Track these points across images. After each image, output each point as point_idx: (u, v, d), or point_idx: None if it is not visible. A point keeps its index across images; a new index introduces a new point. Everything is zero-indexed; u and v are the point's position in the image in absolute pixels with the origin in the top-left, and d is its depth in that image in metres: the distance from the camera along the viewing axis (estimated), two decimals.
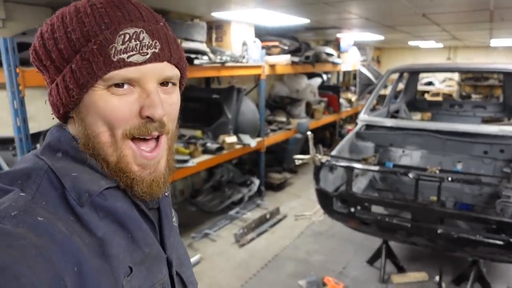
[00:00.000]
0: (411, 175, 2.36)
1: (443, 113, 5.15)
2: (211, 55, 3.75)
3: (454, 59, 10.29)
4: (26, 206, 0.52)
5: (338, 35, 6.24)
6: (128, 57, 0.56)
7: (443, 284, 2.88)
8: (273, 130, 4.98)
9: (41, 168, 0.58)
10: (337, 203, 2.69)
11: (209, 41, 4.28)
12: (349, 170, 2.55)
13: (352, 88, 7.97)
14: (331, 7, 3.50)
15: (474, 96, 7.74)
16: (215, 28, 4.38)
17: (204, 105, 4.33)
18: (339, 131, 6.99)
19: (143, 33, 0.57)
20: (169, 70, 0.61)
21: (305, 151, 5.00)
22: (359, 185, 2.99)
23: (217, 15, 3.94)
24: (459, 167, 3.04)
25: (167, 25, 0.63)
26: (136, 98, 0.59)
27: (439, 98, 7.94)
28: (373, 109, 3.99)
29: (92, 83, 0.57)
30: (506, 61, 8.30)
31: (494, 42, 8.24)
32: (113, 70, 0.56)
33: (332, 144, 6.36)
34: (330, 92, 6.63)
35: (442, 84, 9.77)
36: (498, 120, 4.79)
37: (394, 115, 4.42)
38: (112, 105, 0.58)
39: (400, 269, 3.15)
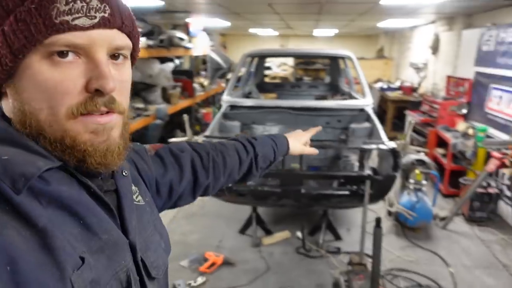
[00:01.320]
0: None
1: (286, 93, 5.87)
2: None
3: (286, 45, 11.63)
4: None
5: (187, 19, 6.30)
6: (73, 19, 0.50)
7: (301, 236, 3.40)
8: (131, 118, 4.77)
9: None
10: None
11: None
12: None
13: (203, 73, 8.20)
14: None
15: (306, 78, 9.03)
16: None
17: None
18: (195, 116, 7.14)
19: None
20: (120, 39, 0.56)
21: (163, 137, 4.99)
22: None
23: None
24: None
25: None
26: (82, 70, 0.53)
27: (277, 81, 8.95)
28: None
29: (29, 48, 0.50)
30: (320, 48, 9.90)
31: (316, 32, 9.69)
32: (55, 34, 0.49)
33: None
34: (184, 77, 6.69)
35: (278, 68, 10.95)
36: (325, 97, 5.76)
37: (248, 96, 4.83)
38: (54, 77, 0.51)
39: (268, 232, 3.56)
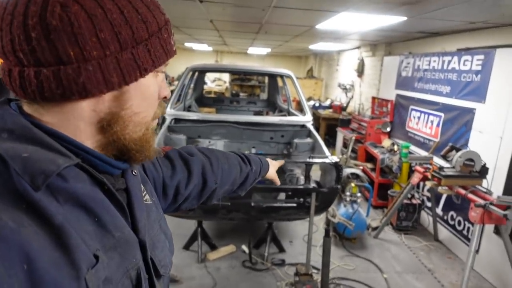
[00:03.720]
0: None
1: (225, 108, 5.92)
2: None
3: (221, 61, 11.75)
4: None
5: None
6: (175, 48, 0.66)
7: (247, 250, 3.42)
8: None
9: None
10: None
11: None
12: None
13: None
14: None
15: (242, 94, 9.18)
16: None
17: None
18: None
19: None
20: None
21: None
22: None
23: None
24: (253, 151, 3.67)
25: None
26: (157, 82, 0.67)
27: (212, 96, 8.99)
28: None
29: (160, 65, 0.62)
30: (260, 65, 10.22)
31: (251, 50, 9.98)
32: (171, 58, 0.65)
33: None
34: None
35: (213, 83, 10.99)
36: (261, 113, 5.94)
37: (188, 110, 4.78)
38: (154, 87, 0.64)
39: (213, 247, 3.52)
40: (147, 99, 0.62)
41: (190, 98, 5.23)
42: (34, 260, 0.45)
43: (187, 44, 9.12)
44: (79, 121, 0.57)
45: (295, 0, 3.14)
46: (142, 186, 0.73)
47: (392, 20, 3.58)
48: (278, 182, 1.33)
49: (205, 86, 10.39)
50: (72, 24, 0.51)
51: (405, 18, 3.47)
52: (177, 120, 3.62)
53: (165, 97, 0.68)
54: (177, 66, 11.25)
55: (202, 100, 5.90)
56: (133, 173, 0.70)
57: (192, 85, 5.24)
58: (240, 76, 9.51)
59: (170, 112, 3.61)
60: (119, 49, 0.55)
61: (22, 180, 0.48)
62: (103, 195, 0.58)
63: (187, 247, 3.49)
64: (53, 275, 0.46)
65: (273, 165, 1.32)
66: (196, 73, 5.27)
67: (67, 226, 0.50)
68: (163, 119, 3.61)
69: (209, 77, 10.85)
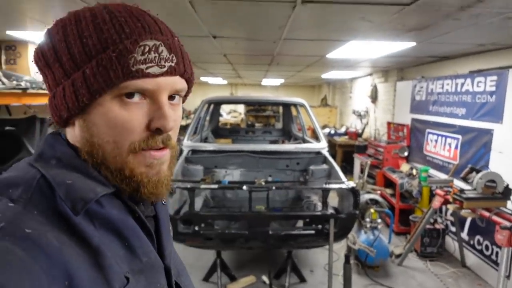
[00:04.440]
0: (245, 187, 2.74)
1: (241, 138, 6.00)
2: (4, 80, 3.20)
3: (235, 93, 12.01)
4: (15, 218, 0.49)
5: None
6: (147, 68, 0.57)
7: (267, 280, 3.36)
8: None
9: (33, 176, 0.55)
10: (180, 225, 2.78)
11: None
12: (192, 191, 2.72)
13: None
14: None
15: (257, 125, 9.31)
16: (5, 49, 3.78)
17: None
18: None
19: (161, 46, 0.58)
20: (180, 83, 0.63)
21: None
22: (196, 205, 3.17)
23: (11, 33, 3.42)
24: (270, 179, 3.68)
25: (180, 40, 0.64)
26: (146, 111, 0.59)
27: (228, 127, 9.13)
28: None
29: (105, 90, 0.56)
30: (274, 96, 10.39)
31: (264, 81, 10.18)
32: (130, 80, 0.56)
33: None
34: None
35: (228, 115, 11.18)
36: (277, 141, 5.99)
37: (205, 141, 4.87)
38: (122, 116, 0.57)
39: (233, 278, 3.47)
40: (113, 127, 0.58)
41: (206, 130, 5.34)
42: (75, 277, 0.49)
43: (202, 79, 9.39)
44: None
45: (304, 32, 3.24)
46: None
47: (401, 46, 3.64)
48: None
49: (220, 118, 10.57)
50: (44, 53, 0.60)
51: (414, 44, 3.53)
52: (194, 151, 3.70)
53: (158, 129, 0.59)
54: (193, 99, 11.53)
55: (218, 132, 6.00)
56: (163, 202, 0.72)
57: (208, 117, 5.36)
58: (255, 107, 9.67)
59: (187, 143, 3.69)
60: (63, 74, 0.58)
61: (64, 204, 0.53)
62: (134, 221, 0.62)
63: (206, 279, 3.46)
64: None
65: None
66: (212, 106, 5.40)
67: (102, 248, 0.54)
68: (181, 151, 3.69)
69: (224, 109, 11.06)
